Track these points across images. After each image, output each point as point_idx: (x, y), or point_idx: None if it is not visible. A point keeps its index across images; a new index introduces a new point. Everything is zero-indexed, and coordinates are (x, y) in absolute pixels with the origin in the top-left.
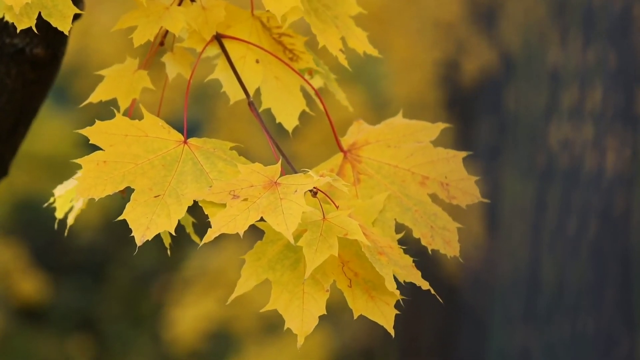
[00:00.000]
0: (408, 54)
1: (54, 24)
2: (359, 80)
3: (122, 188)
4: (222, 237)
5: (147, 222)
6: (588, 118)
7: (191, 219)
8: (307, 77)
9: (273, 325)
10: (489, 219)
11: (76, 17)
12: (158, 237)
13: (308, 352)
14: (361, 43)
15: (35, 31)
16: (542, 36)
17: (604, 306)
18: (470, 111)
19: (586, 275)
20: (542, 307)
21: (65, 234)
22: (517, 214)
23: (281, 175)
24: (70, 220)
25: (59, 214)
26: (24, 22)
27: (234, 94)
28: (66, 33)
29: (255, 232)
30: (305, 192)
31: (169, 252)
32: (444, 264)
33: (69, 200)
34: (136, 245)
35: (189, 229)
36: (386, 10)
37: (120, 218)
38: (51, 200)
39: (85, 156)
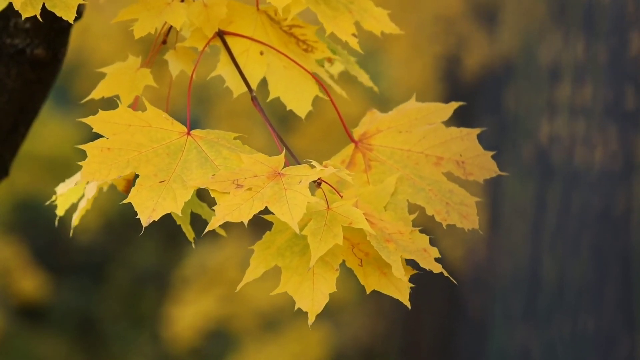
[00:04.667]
0: (408, 48)
1: (58, 14)
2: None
3: (126, 173)
4: (221, 235)
5: (152, 205)
6: (588, 117)
7: (201, 211)
8: (327, 65)
9: (272, 323)
10: (490, 219)
11: (78, 16)
12: (158, 237)
13: (308, 350)
14: (379, 23)
15: (40, 19)
16: (541, 35)
17: (604, 305)
18: (470, 110)
19: (586, 274)
20: (543, 306)
21: (70, 234)
22: (517, 213)
23: (285, 166)
24: (74, 221)
25: (59, 212)
26: (29, 11)
27: (237, 88)
28: (71, 22)
29: (256, 231)
30: (309, 183)
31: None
32: (445, 262)
33: (70, 198)
34: (136, 244)
35: (185, 227)
36: (385, 5)
37: (125, 201)
38: (53, 198)
39: (90, 142)
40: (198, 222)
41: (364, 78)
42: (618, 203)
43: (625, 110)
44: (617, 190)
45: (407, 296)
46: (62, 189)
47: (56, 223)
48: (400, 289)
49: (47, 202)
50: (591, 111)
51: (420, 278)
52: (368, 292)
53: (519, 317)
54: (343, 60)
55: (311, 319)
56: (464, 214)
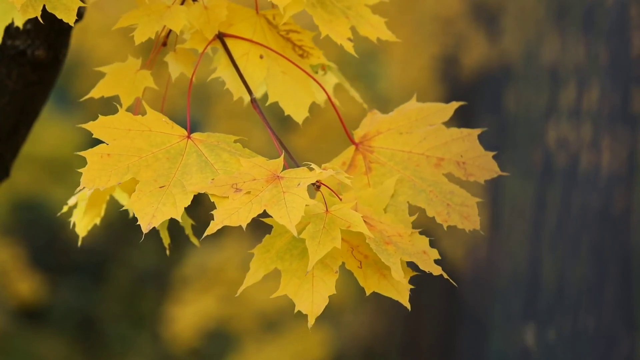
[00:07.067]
0: (407, 48)
1: (58, 16)
2: (359, 78)
3: (126, 179)
4: (222, 236)
5: (152, 211)
6: (588, 117)
7: (190, 221)
8: (320, 72)
9: (272, 324)
10: (490, 219)
11: (79, 17)
12: (159, 237)
13: (308, 351)
14: (375, 30)
15: (41, 21)
16: (542, 35)
17: (604, 305)
18: (470, 110)
19: (586, 274)
20: (542, 306)
21: (79, 243)
22: (517, 213)
23: (284, 169)
24: (81, 230)
25: (79, 231)
26: (29, 13)
27: (238, 91)
28: (71, 24)
29: (256, 231)
30: (308, 186)
31: (167, 252)
32: (445, 262)
33: (81, 208)
34: (136, 244)
35: (188, 231)
36: (383, 5)
37: (125, 207)
38: (64, 209)
39: (89, 149)
40: (196, 226)
41: (355, 94)
42: (618, 203)
43: (630, 113)
44: (617, 190)
45: (407, 298)
46: (73, 200)
47: (79, 243)
48: (400, 291)
49: (59, 214)
50: (591, 111)
51: (420, 278)
52: (368, 293)
53: (519, 317)
54: (335, 72)
55: (311, 321)
56: (465, 215)
